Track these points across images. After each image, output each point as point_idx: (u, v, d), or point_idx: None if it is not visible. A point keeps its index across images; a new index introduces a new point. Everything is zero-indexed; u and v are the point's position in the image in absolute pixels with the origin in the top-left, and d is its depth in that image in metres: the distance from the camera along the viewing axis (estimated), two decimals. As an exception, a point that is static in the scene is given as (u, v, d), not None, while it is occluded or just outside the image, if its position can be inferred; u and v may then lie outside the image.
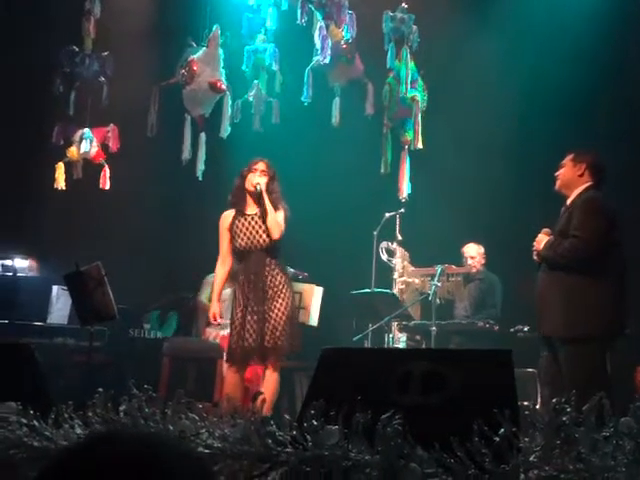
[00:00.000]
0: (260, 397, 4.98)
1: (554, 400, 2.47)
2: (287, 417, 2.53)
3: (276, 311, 5.15)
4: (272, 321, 5.13)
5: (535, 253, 4.80)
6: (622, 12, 7.40)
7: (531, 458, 2.29)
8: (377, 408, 2.53)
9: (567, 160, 4.87)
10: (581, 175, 4.77)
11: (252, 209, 5.34)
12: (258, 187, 5.26)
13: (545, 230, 4.80)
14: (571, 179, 4.80)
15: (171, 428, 2.44)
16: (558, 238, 4.67)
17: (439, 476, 2.30)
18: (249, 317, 5.15)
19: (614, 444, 2.31)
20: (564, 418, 2.42)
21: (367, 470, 2.26)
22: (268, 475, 2.33)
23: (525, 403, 2.95)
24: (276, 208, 5.28)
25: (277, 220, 5.24)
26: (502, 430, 2.41)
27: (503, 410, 2.45)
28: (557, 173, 4.87)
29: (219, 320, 5.38)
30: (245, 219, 5.31)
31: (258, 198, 5.28)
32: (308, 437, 2.35)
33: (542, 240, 4.75)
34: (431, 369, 2.79)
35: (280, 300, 5.17)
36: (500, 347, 6.42)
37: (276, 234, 5.22)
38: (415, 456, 2.33)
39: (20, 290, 6.39)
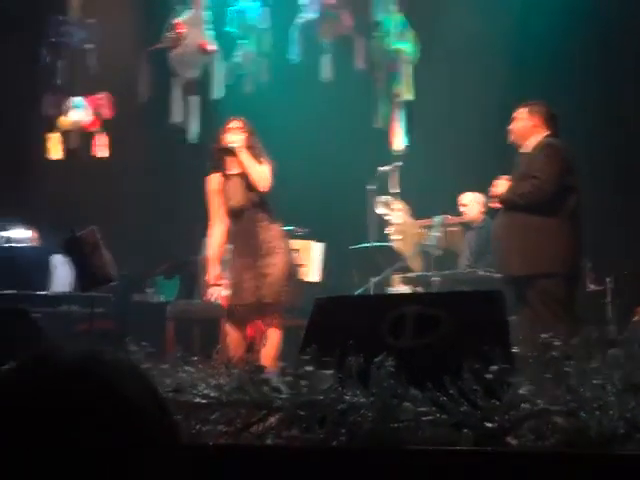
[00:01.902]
0: (264, 355, 5.05)
1: (543, 335, 2.51)
2: (282, 364, 2.58)
3: (273, 266, 5.16)
4: (270, 277, 5.15)
5: (492, 199, 4.99)
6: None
7: (521, 391, 2.33)
8: (371, 352, 2.57)
9: (521, 112, 5.09)
10: (536, 126, 5.00)
11: (234, 168, 5.34)
12: (233, 144, 5.24)
13: (505, 177, 4.99)
14: (527, 130, 5.03)
15: (168, 382, 2.49)
16: (517, 182, 4.84)
17: (432, 414, 2.34)
18: (246, 274, 5.17)
19: (603, 375, 2.35)
20: (553, 352, 2.46)
21: (362, 411, 2.30)
22: (265, 421, 2.37)
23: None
24: (259, 162, 5.27)
25: (261, 173, 5.23)
26: (493, 367, 2.44)
27: (494, 348, 2.49)
28: (511, 126, 5.03)
29: (220, 283, 5.40)
30: (230, 179, 5.31)
31: (236, 156, 5.26)
32: (303, 383, 2.38)
33: (500, 185, 5.00)
34: (423, 312, 2.82)
35: (276, 255, 5.19)
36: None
37: (263, 187, 5.22)
38: (408, 395, 2.36)
39: (21, 260, 6.43)
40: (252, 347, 4.56)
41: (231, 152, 5.28)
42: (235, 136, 5.27)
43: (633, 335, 2.46)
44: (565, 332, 2.76)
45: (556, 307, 4.69)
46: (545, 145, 4.90)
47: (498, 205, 5.08)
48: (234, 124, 5.34)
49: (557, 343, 2.43)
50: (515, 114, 5.08)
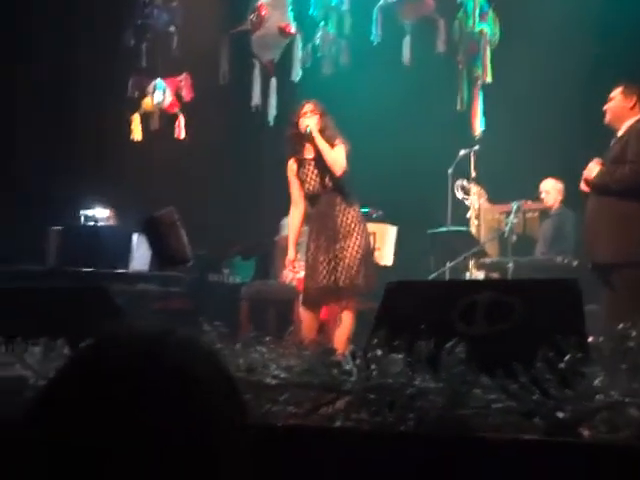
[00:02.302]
0: (337, 338, 5.08)
1: (620, 326, 2.46)
2: (353, 347, 2.59)
3: (350, 250, 5.16)
4: (347, 260, 5.15)
5: (584, 182, 4.81)
6: None
7: (595, 383, 2.28)
8: (442, 338, 2.55)
9: (617, 93, 4.91)
10: (632, 107, 4.81)
11: (310, 153, 5.35)
12: (307, 129, 5.25)
13: (596, 159, 4.82)
14: (622, 111, 4.84)
15: (240, 361, 2.53)
16: (611, 166, 4.66)
17: (503, 401, 2.31)
18: (322, 257, 5.18)
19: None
20: (630, 343, 2.40)
21: (431, 397, 2.29)
22: (334, 404, 2.38)
23: (601, 339, 2.93)
24: (332, 145, 5.26)
25: (336, 157, 5.23)
26: (568, 356, 2.40)
27: (569, 337, 2.44)
28: (606, 107, 4.87)
29: (296, 266, 5.44)
30: (305, 164, 5.33)
31: (312, 140, 5.27)
32: (373, 366, 2.39)
33: (593, 169, 4.81)
34: (496, 299, 2.79)
35: (353, 239, 5.19)
36: (581, 283, 6.42)
37: (338, 171, 5.22)
38: (479, 382, 2.34)
39: (102, 239, 6.59)
40: (324, 329, 4.57)
41: (306, 136, 5.29)
42: (308, 120, 5.28)
43: None
44: None
45: None
46: (639, 129, 4.72)
47: (587, 189, 4.89)
48: (307, 107, 5.35)
49: (634, 334, 2.37)
50: (612, 94, 4.91)
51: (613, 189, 4.65)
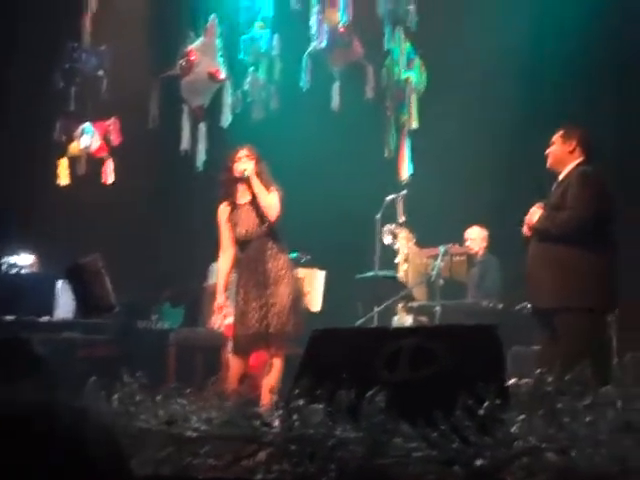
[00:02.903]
0: (265, 384, 5.04)
1: (537, 371, 2.50)
2: (274, 398, 2.57)
3: (280, 296, 5.16)
4: (277, 306, 5.14)
5: (526, 226, 4.85)
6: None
7: (513, 429, 2.31)
8: (365, 386, 2.56)
9: (557, 137, 4.92)
10: (572, 152, 4.83)
11: (244, 197, 5.36)
12: (245, 173, 5.27)
13: (538, 204, 4.86)
14: (562, 156, 4.86)
15: (161, 413, 2.48)
16: (552, 212, 4.71)
17: (423, 450, 2.33)
18: (252, 304, 5.17)
19: (596, 412, 2.33)
20: (547, 388, 2.44)
21: (351, 447, 2.29)
22: (256, 455, 2.36)
23: (525, 381, 2.97)
24: (268, 188, 5.28)
25: (271, 202, 5.25)
26: (486, 403, 2.43)
27: (488, 384, 2.47)
28: (548, 151, 4.93)
29: (224, 312, 5.40)
30: (239, 208, 5.33)
31: (248, 185, 5.29)
32: (294, 417, 2.38)
33: (535, 213, 4.81)
34: (419, 345, 2.82)
35: (283, 285, 5.19)
36: (505, 325, 6.53)
37: (272, 216, 5.24)
38: (399, 431, 2.35)
39: (25, 286, 6.46)
40: (245, 379, 4.53)
41: (241, 181, 5.31)
42: (245, 164, 5.29)
43: (626, 372, 2.43)
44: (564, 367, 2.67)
45: (582, 342, 4.44)
46: (579, 174, 4.74)
47: (529, 233, 4.90)
48: (242, 152, 5.37)
49: (550, 379, 2.41)
50: (553, 138, 4.93)
51: (554, 234, 4.66)
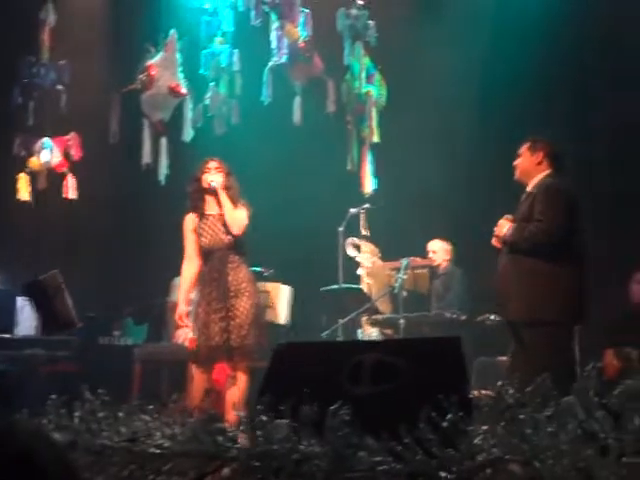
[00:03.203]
0: (229, 398, 5.03)
1: (498, 383, 2.51)
2: (238, 414, 2.56)
3: (241, 309, 5.16)
4: (237, 319, 5.13)
5: (495, 238, 4.85)
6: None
7: (476, 441, 2.33)
8: (328, 400, 2.56)
9: (524, 149, 4.90)
10: (539, 163, 4.83)
11: (212, 209, 5.36)
12: (212, 184, 5.28)
13: (506, 216, 4.85)
14: (529, 167, 4.85)
15: (123, 430, 2.46)
16: (521, 223, 4.72)
17: (388, 463, 2.33)
18: (213, 315, 5.15)
19: (557, 423, 2.35)
20: (509, 400, 2.46)
21: (316, 461, 2.29)
22: (220, 472, 2.35)
23: (486, 392, 2.99)
24: (236, 204, 5.28)
25: (236, 216, 5.25)
26: (449, 416, 2.44)
27: (451, 396, 2.49)
28: (515, 163, 4.93)
29: (185, 322, 5.38)
30: (207, 219, 5.33)
31: (215, 197, 5.30)
32: (258, 432, 2.37)
33: (503, 225, 4.80)
34: (382, 359, 2.83)
35: (245, 298, 5.18)
36: (470, 336, 6.59)
37: (236, 229, 5.24)
38: (364, 445, 2.36)
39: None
40: (209, 394, 4.51)
41: (209, 192, 5.30)
42: (213, 176, 5.30)
43: (587, 382, 2.46)
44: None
45: (549, 354, 4.45)
46: (547, 186, 4.74)
47: (498, 245, 4.90)
48: (212, 164, 5.37)
49: (511, 391, 2.43)
50: (520, 150, 4.92)
51: (522, 247, 4.66)
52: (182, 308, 5.32)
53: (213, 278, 5.21)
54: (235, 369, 5.18)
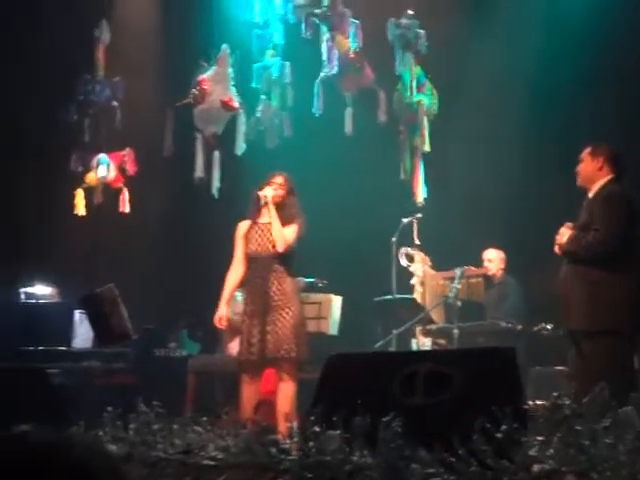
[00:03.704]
0: (279, 410, 5.05)
1: (554, 394, 2.48)
2: (291, 425, 2.56)
3: (283, 320, 5.21)
4: (279, 331, 5.18)
5: (557, 246, 4.77)
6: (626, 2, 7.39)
7: (531, 452, 2.30)
8: (381, 411, 2.55)
9: (585, 154, 4.83)
10: (600, 169, 4.74)
11: (264, 218, 5.47)
12: (263, 199, 5.40)
13: (567, 224, 4.76)
14: (591, 173, 4.77)
15: (177, 442, 2.48)
16: (580, 232, 4.63)
17: (441, 475, 2.31)
18: (252, 328, 5.23)
19: (615, 434, 2.31)
20: (566, 411, 2.42)
21: (369, 473, 2.28)
22: (273, 483, 2.35)
23: (542, 403, 2.94)
24: (290, 222, 5.35)
25: (283, 233, 5.31)
26: (504, 427, 2.41)
27: (505, 407, 2.46)
28: (577, 168, 4.85)
29: (224, 323, 5.45)
30: (258, 227, 5.44)
31: (263, 208, 5.40)
32: (310, 443, 2.37)
33: (565, 233, 4.72)
34: (435, 370, 2.81)
35: (287, 309, 5.24)
36: (525, 346, 6.51)
37: (280, 247, 5.30)
38: (416, 457, 2.34)
39: (43, 317, 6.49)
40: (261, 405, 4.52)
41: (259, 202, 5.42)
42: (269, 191, 5.40)
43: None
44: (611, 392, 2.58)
45: (609, 365, 4.38)
46: (606, 194, 4.66)
47: (561, 253, 4.83)
48: (277, 179, 5.49)
49: (568, 402, 2.39)
50: (581, 155, 4.85)
51: (580, 257, 4.61)
52: (222, 310, 5.41)
53: (256, 285, 5.29)
54: (280, 380, 5.22)
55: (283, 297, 5.23)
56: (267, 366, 5.21)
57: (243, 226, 5.51)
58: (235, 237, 5.52)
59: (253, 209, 5.52)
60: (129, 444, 2.63)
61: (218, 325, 5.48)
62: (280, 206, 5.40)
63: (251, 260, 5.41)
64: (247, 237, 5.44)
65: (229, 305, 5.51)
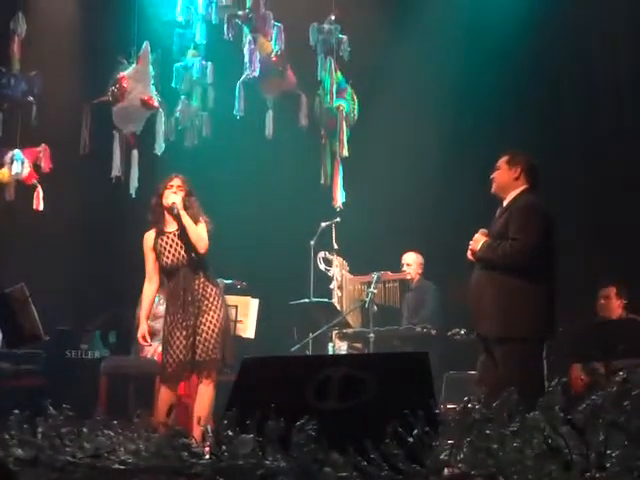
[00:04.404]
0: (196, 413, 5.00)
1: (465, 399, 2.52)
2: (204, 428, 2.54)
3: (208, 324, 5.14)
4: (204, 334, 5.12)
5: (470, 252, 4.80)
6: (547, 9, 7.56)
7: (442, 456, 2.33)
8: (294, 415, 2.55)
9: (502, 162, 4.81)
10: (517, 178, 4.74)
11: (171, 226, 5.32)
12: (175, 208, 5.23)
13: (482, 230, 4.76)
14: (507, 182, 4.76)
15: (87, 446, 2.43)
16: (495, 240, 4.65)
17: (354, 479, 2.32)
18: (178, 333, 5.13)
19: (523, 438, 2.36)
20: (475, 416, 2.46)
21: (281, 477, 2.28)
22: (184, 487, 2.33)
23: (450, 406, 2.99)
24: (196, 222, 5.26)
25: (200, 235, 5.22)
26: (416, 431, 2.44)
27: (418, 411, 2.48)
28: (492, 175, 4.82)
29: (148, 340, 5.35)
30: (167, 237, 5.29)
31: (175, 216, 5.26)
32: (223, 447, 2.35)
33: (479, 240, 4.73)
34: (349, 374, 2.82)
35: (212, 313, 5.17)
36: (439, 351, 6.60)
37: (202, 248, 5.22)
38: (329, 460, 2.35)
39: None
40: (174, 409, 4.47)
41: (169, 211, 5.27)
42: (174, 196, 5.26)
43: (553, 398, 2.47)
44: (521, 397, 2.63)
45: (519, 370, 4.42)
46: (524, 205, 4.67)
47: (473, 259, 4.83)
48: (175, 182, 5.33)
49: (478, 406, 2.43)
50: (498, 163, 4.83)
51: (497, 264, 4.60)
52: (144, 327, 5.27)
53: (179, 296, 5.19)
54: (201, 383, 5.16)
55: (208, 302, 5.17)
56: (191, 370, 5.13)
57: (149, 237, 5.33)
58: (144, 250, 5.34)
59: (157, 216, 5.34)
60: (36, 448, 2.56)
61: (142, 342, 5.34)
62: (185, 209, 5.26)
63: (168, 272, 5.28)
64: (156, 249, 5.28)
65: (148, 319, 5.37)
